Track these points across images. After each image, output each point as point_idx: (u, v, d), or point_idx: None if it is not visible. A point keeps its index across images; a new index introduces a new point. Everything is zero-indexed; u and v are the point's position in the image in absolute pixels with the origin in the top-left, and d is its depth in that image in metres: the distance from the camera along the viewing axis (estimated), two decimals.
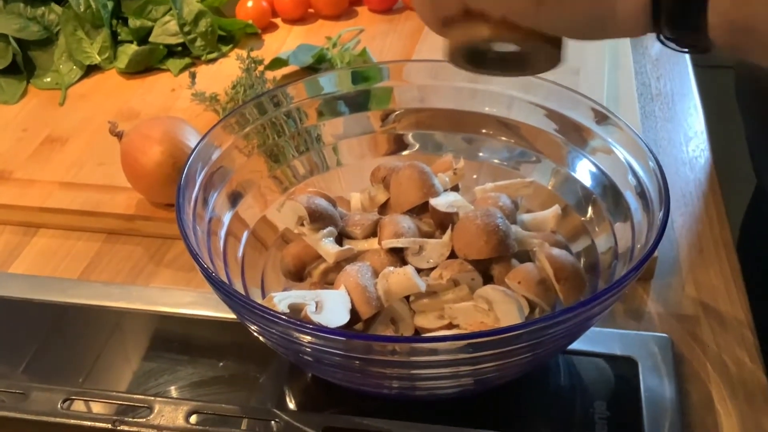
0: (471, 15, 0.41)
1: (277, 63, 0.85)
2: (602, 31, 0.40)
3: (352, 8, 1.01)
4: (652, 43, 0.94)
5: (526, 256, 0.54)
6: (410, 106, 0.64)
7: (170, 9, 0.92)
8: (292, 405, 0.53)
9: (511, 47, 0.42)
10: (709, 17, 0.36)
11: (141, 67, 0.90)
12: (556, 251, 0.52)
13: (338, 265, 0.54)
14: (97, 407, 0.52)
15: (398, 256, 0.54)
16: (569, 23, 0.40)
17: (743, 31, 0.36)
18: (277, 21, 1.00)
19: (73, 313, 0.60)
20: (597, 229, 0.56)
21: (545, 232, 0.57)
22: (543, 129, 0.61)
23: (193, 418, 0.50)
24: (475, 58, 0.44)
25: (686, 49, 0.40)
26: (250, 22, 0.95)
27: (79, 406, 0.52)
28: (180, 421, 0.50)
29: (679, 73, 0.89)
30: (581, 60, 0.84)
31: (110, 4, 0.91)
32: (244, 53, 0.83)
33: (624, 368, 0.54)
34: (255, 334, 0.49)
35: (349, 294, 0.50)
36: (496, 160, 0.64)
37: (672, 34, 0.39)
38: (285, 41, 0.96)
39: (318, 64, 0.86)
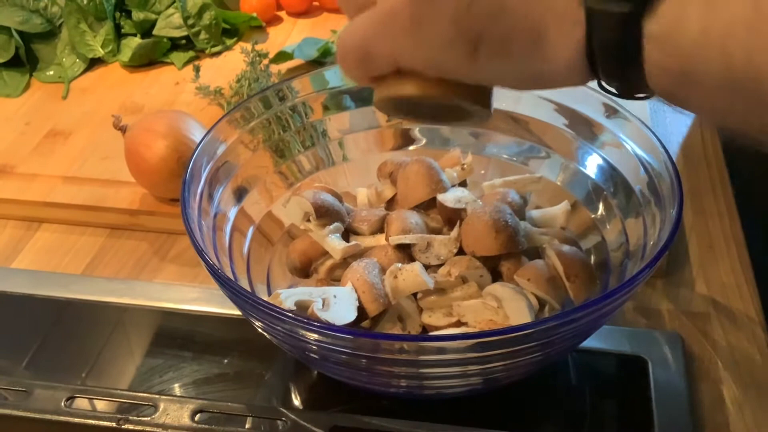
0: (401, 72, 0.40)
1: (282, 56, 0.85)
2: (541, 82, 0.39)
3: None
4: None
5: (535, 253, 0.54)
6: None
7: (174, 2, 0.91)
8: (298, 403, 0.53)
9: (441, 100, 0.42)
10: (645, 67, 0.35)
11: (144, 61, 0.89)
12: (566, 248, 0.52)
13: (345, 262, 0.53)
14: (100, 405, 0.51)
15: (406, 252, 0.53)
16: (504, 78, 0.40)
17: (680, 79, 0.35)
18: (282, 14, 0.99)
19: (76, 308, 0.60)
20: (608, 225, 0.56)
21: (555, 228, 0.56)
22: (552, 123, 0.60)
23: (199, 417, 0.50)
24: (404, 108, 0.44)
25: (629, 97, 0.39)
26: (255, 15, 0.94)
27: (82, 404, 0.51)
28: (185, 420, 0.49)
29: None
30: None
31: None
32: (248, 46, 0.82)
33: (634, 366, 0.54)
34: (260, 331, 0.48)
35: (356, 291, 0.49)
36: (504, 156, 0.63)
37: (611, 82, 0.38)
38: (290, 34, 0.95)
39: (323, 57, 0.85)
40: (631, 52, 0.35)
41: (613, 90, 0.38)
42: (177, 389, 0.53)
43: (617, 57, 0.36)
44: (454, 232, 0.53)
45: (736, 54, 0.32)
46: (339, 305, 0.48)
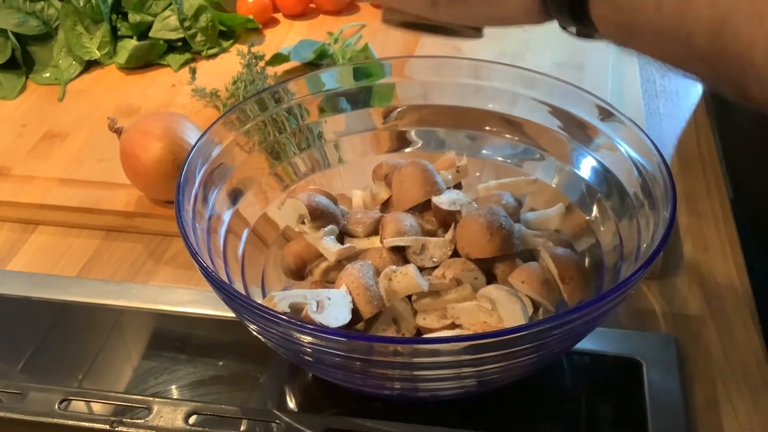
0: None
1: (278, 59, 0.85)
2: (499, 23, 0.44)
3: (354, 3, 1.00)
4: None
5: (529, 256, 0.54)
6: (413, 103, 0.64)
7: (170, 4, 0.91)
8: (292, 405, 0.53)
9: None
10: (593, 17, 0.40)
11: (141, 63, 0.89)
12: (560, 250, 0.52)
13: (339, 264, 0.53)
14: (95, 408, 0.51)
15: (400, 254, 0.53)
16: (464, 19, 0.45)
17: (623, 29, 0.39)
18: (278, 16, 0.99)
19: (71, 310, 0.60)
20: (602, 227, 0.56)
21: (549, 230, 0.56)
22: (547, 126, 0.60)
23: (193, 419, 0.50)
24: (408, 24, 0.49)
25: (585, 38, 0.43)
26: (251, 17, 0.94)
27: (77, 406, 0.51)
28: (179, 422, 0.49)
29: None
30: (585, 56, 0.83)
31: None
32: (244, 49, 0.82)
33: (628, 368, 0.54)
34: (255, 333, 0.48)
35: (350, 293, 0.49)
36: (499, 158, 0.63)
37: (565, 24, 0.42)
38: (286, 37, 0.95)
39: (319, 60, 0.85)
40: (578, 3, 0.39)
41: (573, 32, 0.43)
42: (172, 392, 0.53)
43: (567, 7, 0.40)
44: (449, 235, 0.53)
45: (667, 5, 0.36)
46: (333, 307, 0.48)
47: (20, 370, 0.55)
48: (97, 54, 0.90)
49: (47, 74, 0.89)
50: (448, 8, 0.44)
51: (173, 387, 0.54)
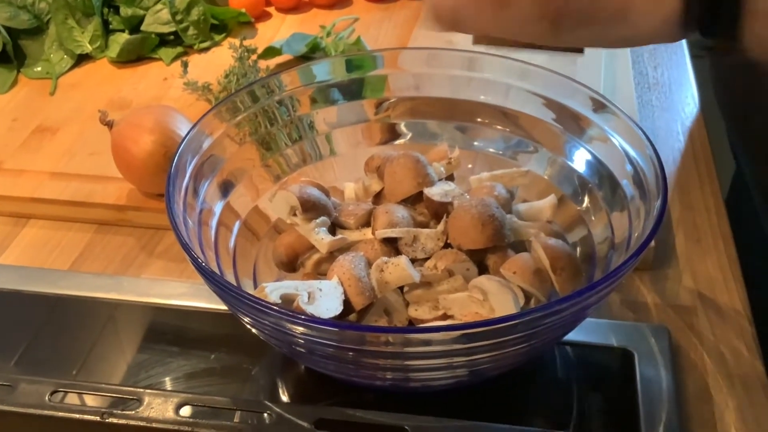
0: None
1: (271, 52, 0.84)
2: (626, 44, 0.42)
3: None
4: None
5: (522, 246, 0.54)
6: (405, 94, 0.64)
7: None
8: (285, 397, 0.53)
9: None
10: (745, 28, 0.37)
11: (133, 56, 0.89)
12: (552, 241, 0.52)
13: (331, 256, 0.53)
14: (85, 400, 0.51)
15: (392, 246, 0.53)
16: (592, 42, 0.42)
17: None
18: (271, 10, 0.99)
19: (64, 304, 0.59)
20: (593, 218, 0.56)
21: (541, 221, 0.56)
22: (540, 118, 0.60)
23: (184, 411, 0.50)
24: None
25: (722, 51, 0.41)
26: (243, 10, 0.94)
27: (67, 398, 0.51)
28: (170, 414, 0.49)
29: (676, 62, 0.88)
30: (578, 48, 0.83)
31: None
32: (237, 42, 0.82)
33: (620, 359, 0.54)
34: (247, 325, 0.48)
35: (342, 284, 0.49)
36: (491, 150, 0.63)
37: (704, 41, 0.39)
38: (278, 30, 0.95)
39: (312, 53, 0.85)
40: (728, 21, 0.36)
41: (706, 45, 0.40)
42: (164, 384, 0.53)
43: (713, 16, 0.37)
44: (441, 226, 0.53)
45: None
46: (325, 298, 0.48)
47: (14, 365, 0.55)
48: (88, 48, 0.89)
49: (38, 68, 0.89)
50: (574, 33, 0.40)
51: (166, 379, 0.54)
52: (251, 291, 0.51)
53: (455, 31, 0.44)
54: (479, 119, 0.63)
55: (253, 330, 0.49)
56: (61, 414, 0.49)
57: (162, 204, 0.66)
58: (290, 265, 0.55)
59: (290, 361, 0.54)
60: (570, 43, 0.42)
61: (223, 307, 0.56)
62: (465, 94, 0.62)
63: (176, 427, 0.49)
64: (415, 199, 0.56)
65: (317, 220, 0.54)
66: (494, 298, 0.48)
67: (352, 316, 0.50)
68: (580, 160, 0.58)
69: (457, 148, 0.60)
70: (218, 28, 0.93)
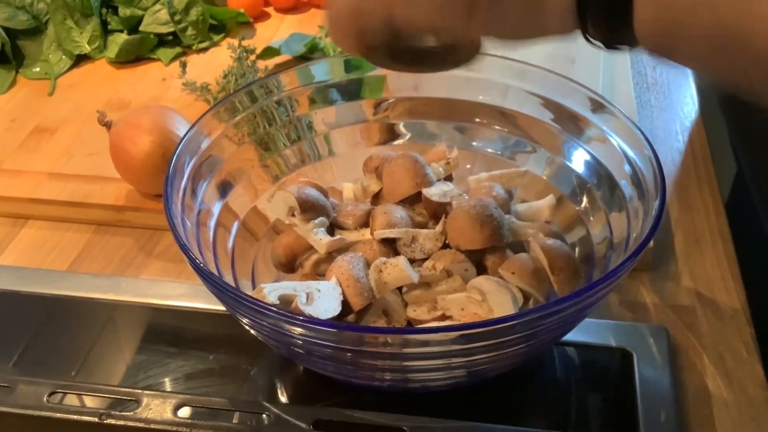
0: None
1: (269, 52, 0.84)
2: (530, 32, 0.41)
3: None
4: None
5: (520, 247, 0.54)
6: (403, 95, 0.64)
7: None
8: (283, 398, 0.53)
9: (431, 41, 0.42)
10: (635, 20, 0.37)
11: (131, 57, 0.89)
12: (550, 241, 0.52)
13: (330, 256, 0.53)
14: (84, 401, 0.51)
15: (391, 246, 0.53)
16: (499, 29, 0.41)
17: (668, 32, 0.37)
18: (270, 10, 0.99)
19: (62, 305, 0.59)
20: (592, 218, 0.56)
21: (540, 222, 0.56)
22: (538, 118, 0.60)
23: (183, 412, 0.50)
24: (393, 53, 0.44)
25: (612, 48, 0.40)
26: (242, 11, 0.94)
27: (65, 399, 0.51)
28: (168, 415, 0.49)
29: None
30: (577, 48, 0.83)
31: None
32: (235, 42, 0.82)
33: (619, 359, 0.54)
34: (246, 326, 0.48)
35: (340, 285, 0.49)
36: (490, 150, 0.63)
37: (597, 32, 0.40)
38: (277, 30, 0.95)
39: (310, 53, 0.85)
40: (621, 6, 0.37)
41: (598, 42, 0.40)
42: (163, 385, 0.53)
43: (607, 10, 0.38)
44: (439, 227, 0.53)
45: (723, 5, 0.34)
46: (323, 299, 0.48)
47: (12, 365, 0.55)
48: (87, 48, 0.89)
49: (37, 69, 0.88)
50: (484, 18, 0.39)
51: (164, 380, 0.54)
52: (250, 292, 0.51)
53: (361, 36, 0.41)
54: (478, 119, 0.63)
55: (252, 331, 0.49)
56: (59, 415, 0.49)
57: (160, 204, 0.66)
58: (289, 266, 0.55)
59: (288, 362, 0.54)
60: (482, 30, 0.40)
61: (221, 307, 0.55)
62: (463, 94, 0.62)
63: (174, 428, 0.49)
64: (413, 200, 0.56)
65: (316, 221, 0.54)
66: (493, 298, 0.48)
67: (351, 317, 0.50)
68: (578, 160, 0.58)
69: (456, 148, 0.60)
70: (217, 28, 0.93)
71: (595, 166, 0.57)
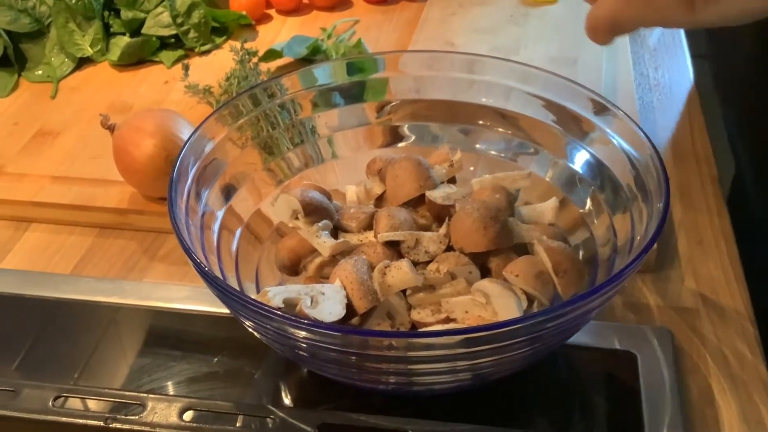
0: None
1: (272, 54, 0.84)
2: (753, 16, 0.44)
3: None
4: (650, 33, 0.93)
5: (524, 249, 0.54)
6: (406, 97, 0.64)
7: (163, 0, 0.91)
8: (287, 401, 0.53)
9: None
10: None
11: (133, 60, 0.89)
12: (554, 244, 0.52)
13: (334, 259, 0.53)
14: (89, 404, 0.51)
15: (394, 249, 0.53)
16: (724, 19, 0.45)
17: None
18: (272, 12, 0.99)
19: (65, 308, 0.59)
20: (596, 221, 0.56)
21: (543, 224, 0.56)
22: (541, 120, 0.60)
23: (187, 415, 0.50)
24: None
25: None
26: (244, 13, 0.94)
27: (70, 403, 0.51)
28: (173, 418, 0.49)
29: (677, 63, 0.88)
30: (578, 50, 0.83)
31: None
32: (237, 45, 0.82)
33: (623, 362, 0.54)
34: (250, 329, 0.48)
35: (344, 288, 0.49)
36: (493, 152, 0.63)
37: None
38: (279, 33, 0.95)
39: (313, 55, 0.85)
40: None
41: None
42: (167, 388, 0.53)
43: None
44: (443, 229, 0.53)
45: None
46: (327, 302, 0.48)
47: (15, 369, 0.55)
48: (89, 51, 0.89)
49: (39, 72, 0.89)
50: (705, 10, 0.43)
51: (168, 383, 0.54)
52: (254, 295, 0.51)
53: (613, 35, 0.48)
54: (481, 122, 0.63)
55: (256, 334, 0.49)
56: (64, 419, 0.49)
57: (163, 207, 0.67)
58: (293, 269, 0.55)
59: (293, 365, 0.54)
60: (704, 20, 0.45)
61: (225, 311, 0.55)
62: (466, 96, 0.62)
63: None
64: (417, 202, 0.56)
65: (319, 224, 0.54)
66: (497, 301, 0.48)
67: (355, 320, 0.50)
68: (581, 161, 0.58)
69: (459, 150, 0.60)
70: (219, 30, 0.93)
71: (598, 168, 0.57)
